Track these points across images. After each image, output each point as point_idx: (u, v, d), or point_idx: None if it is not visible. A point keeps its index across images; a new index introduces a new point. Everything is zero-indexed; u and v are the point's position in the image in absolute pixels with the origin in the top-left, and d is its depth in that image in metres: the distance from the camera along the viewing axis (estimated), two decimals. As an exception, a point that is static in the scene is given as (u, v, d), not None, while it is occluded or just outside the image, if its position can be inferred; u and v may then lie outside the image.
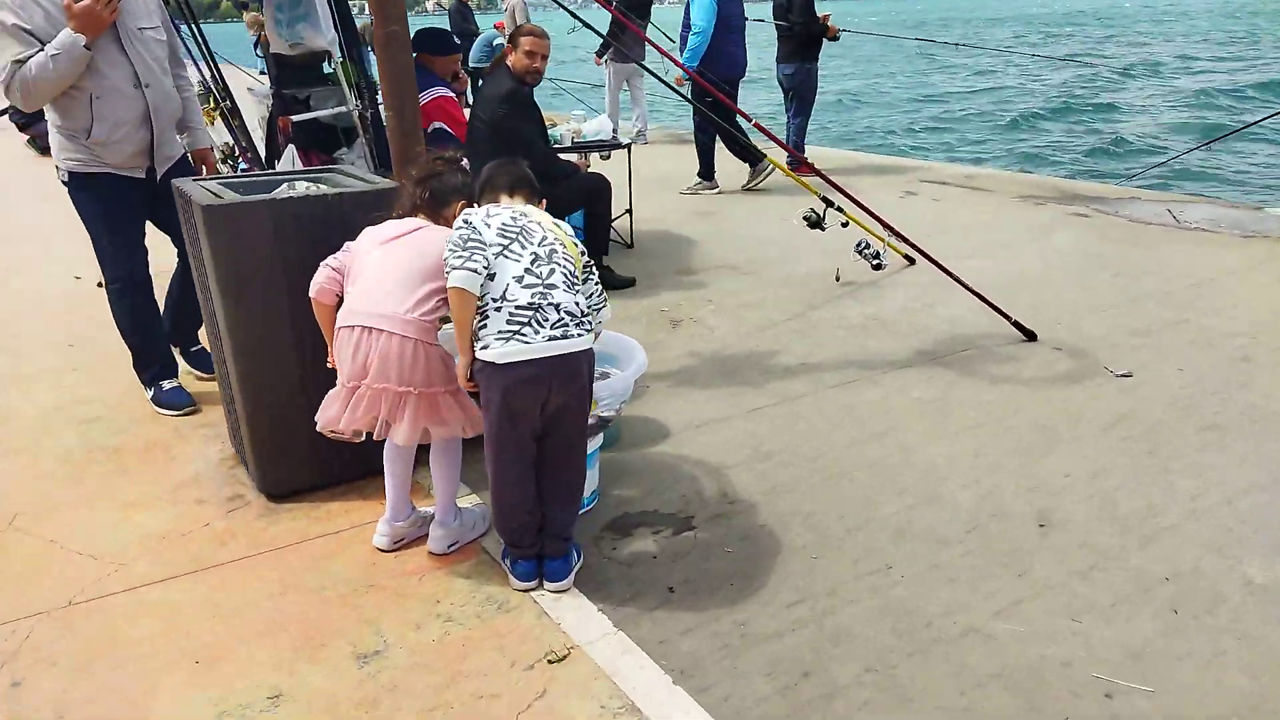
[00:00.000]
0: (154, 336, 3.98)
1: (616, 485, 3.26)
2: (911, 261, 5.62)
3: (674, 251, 6.28)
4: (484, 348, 2.44)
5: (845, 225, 5.23)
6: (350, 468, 3.23)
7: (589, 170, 5.75)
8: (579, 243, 2.65)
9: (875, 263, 5.12)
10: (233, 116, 5.66)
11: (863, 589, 2.68)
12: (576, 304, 2.49)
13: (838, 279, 5.46)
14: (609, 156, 6.58)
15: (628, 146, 6.38)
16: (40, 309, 5.35)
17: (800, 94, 8.46)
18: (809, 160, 8.69)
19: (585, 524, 3.00)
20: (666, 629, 2.52)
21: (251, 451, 3.17)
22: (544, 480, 2.62)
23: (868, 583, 2.71)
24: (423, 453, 2.89)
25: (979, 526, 2.99)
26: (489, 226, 2.49)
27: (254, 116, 6.20)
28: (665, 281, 5.59)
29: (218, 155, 5.79)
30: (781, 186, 7.44)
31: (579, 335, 2.47)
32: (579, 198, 5.34)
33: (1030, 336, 4.53)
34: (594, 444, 3.03)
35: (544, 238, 2.52)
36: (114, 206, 3.72)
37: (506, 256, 2.47)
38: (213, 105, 5.59)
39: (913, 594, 2.66)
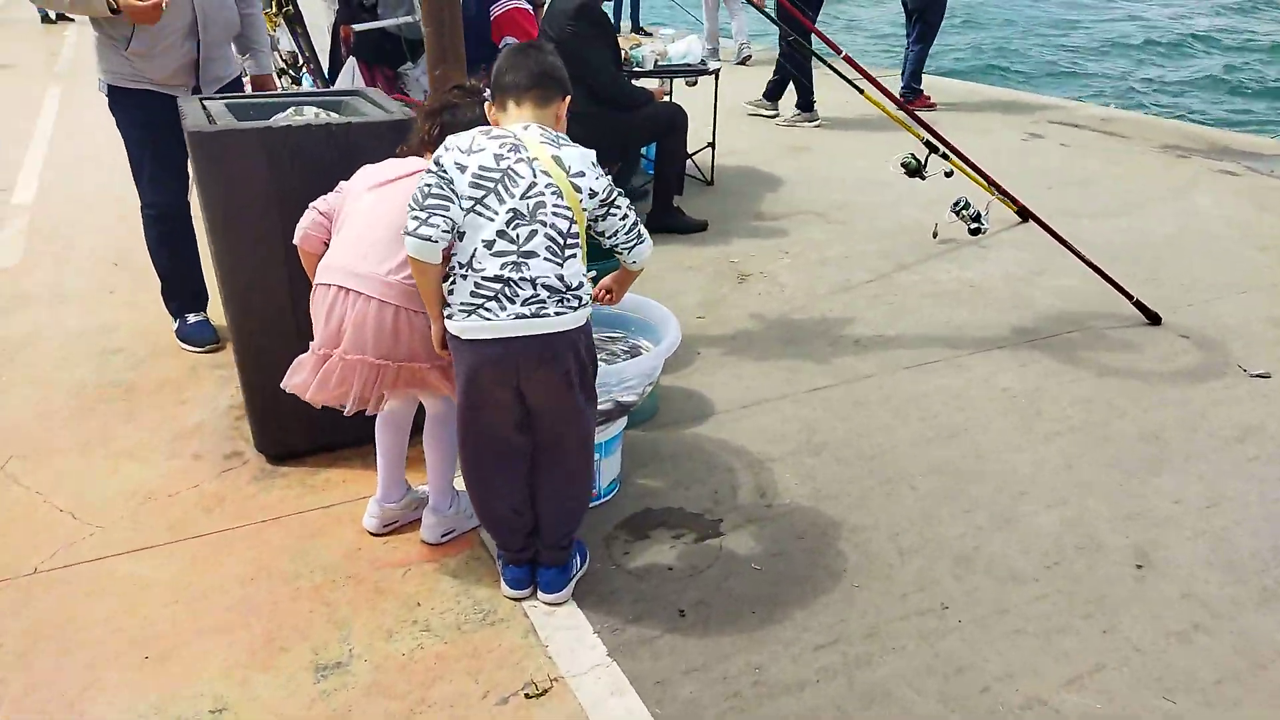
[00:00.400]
0: (184, 266, 3.75)
1: (642, 471, 2.89)
2: (1024, 218, 4.97)
3: (756, 192, 5.74)
4: (449, 317, 2.09)
5: (949, 175, 4.61)
6: (355, 431, 2.90)
7: (665, 99, 5.24)
8: (582, 183, 2.10)
9: (974, 226, 4.48)
10: (296, 23, 5.34)
11: (909, 634, 2.27)
12: (560, 276, 2.06)
13: (935, 235, 4.87)
14: (695, 83, 6.00)
15: (715, 72, 5.80)
16: (97, 219, 5.20)
17: (926, 17, 7.59)
18: (927, 95, 7.93)
19: (600, 517, 2.66)
20: (668, 665, 2.17)
21: (249, 408, 2.91)
22: (535, 479, 2.27)
23: (916, 626, 2.29)
24: (422, 415, 2.56)
25: (1062, 562, 2.52)
26: (463, 171, 2.05)
27: (324, 22, 5.84)
28: (740, 227, 5.08)
29: (280, 65, 5.51)
30: (890, 123, 6.78)
31: (558, 314, 2.06)
32: (650, 130, 4.86)
33: (1153, 319, 3.92)
34: (615, 430, 2.66)
35: (531, 185, 2.06)
36: (154, 128, 3.46)
37: (479, 213, 2.04)
38: (275, 10, 5.25)
39: (970, 647, 2.23)
